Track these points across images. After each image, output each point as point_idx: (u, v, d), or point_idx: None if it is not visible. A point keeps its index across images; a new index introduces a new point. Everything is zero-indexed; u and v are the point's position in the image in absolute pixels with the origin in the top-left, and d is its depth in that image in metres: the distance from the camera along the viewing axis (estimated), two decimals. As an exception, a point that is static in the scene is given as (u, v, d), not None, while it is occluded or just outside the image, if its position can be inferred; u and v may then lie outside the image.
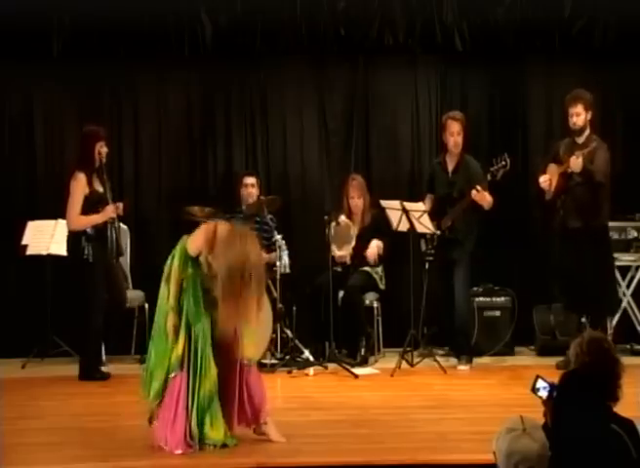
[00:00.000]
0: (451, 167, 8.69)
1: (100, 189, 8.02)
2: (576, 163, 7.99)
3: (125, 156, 9.50)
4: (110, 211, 7.96)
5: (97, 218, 7.90)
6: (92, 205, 7.92)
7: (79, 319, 8.07)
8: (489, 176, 8.33)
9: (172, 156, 9.57)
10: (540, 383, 3.90)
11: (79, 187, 7.89)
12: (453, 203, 8.55)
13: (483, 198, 8.34)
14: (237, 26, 9.18)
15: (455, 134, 8.61)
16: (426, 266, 8.56)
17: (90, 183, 7.93)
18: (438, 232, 8.47)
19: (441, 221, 8.52)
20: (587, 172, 8.02)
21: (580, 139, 8.24)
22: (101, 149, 8.01)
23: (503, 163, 8.29)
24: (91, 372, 7.96)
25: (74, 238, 7.93)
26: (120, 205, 8.16)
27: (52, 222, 8.68)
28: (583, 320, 8.24)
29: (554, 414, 3.76)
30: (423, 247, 8.59)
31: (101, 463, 5.39)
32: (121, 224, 8.44)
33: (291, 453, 5.52)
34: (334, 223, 8.64)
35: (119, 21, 8.83)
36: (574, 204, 8.18)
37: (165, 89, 9.59)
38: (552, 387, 3.85)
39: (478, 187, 8.29)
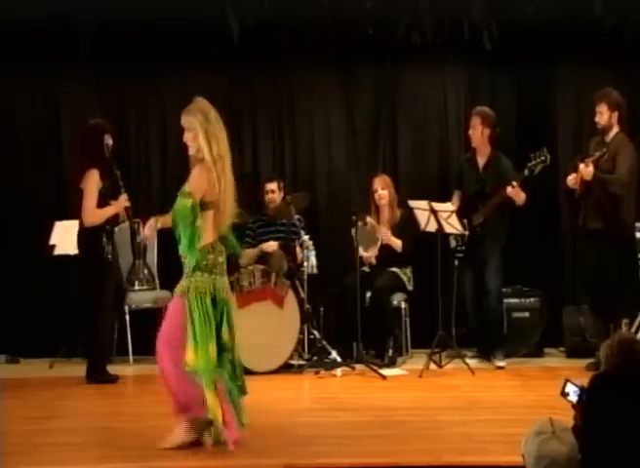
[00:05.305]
0: (481, 163, 8.68)
1: (108, 184, 7.95)
2: (586, 171, 7.95)
3: (151, 156, 9.51)
4: (123, 200, 7.90)
5: (111, 210, 7.86)
6: (105, 199, 7.88)
7: (89, 318, 8.04)
8: (526, 172, 8.29)
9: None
10: (570, 387, 3.86)
11: (93, 182, 7.82)
12: (484, 199, 8.51)
13: (518, 194, 8.34)
14: (264, 26, 9.16)
15: (471, 127, 8.67)
16: (456, 263, 8.54)
17: (102, 178, 7.88)
18: (467, 233, 8.43)
19: (472, 218, 8.48)
20: (600, 181, 7.97)
21: (608, 138, 8.19)
22: (108, 142, 7.96)
23: (543, 158, 8.24)
24: (97, 374, 7.90)
25: (94, 236, 7.86)
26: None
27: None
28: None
29: (584, 417, 3.71)
30: (453, 243, 8.56)
31: (127, 463, 5.40)
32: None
33: (317, 454, 5.50)
34: (360, 223, 8.58)
35: (145, 22, 8.81)
36: (593, 205, 8.13)
37: (191, 88, 9.50)
38: (582, 391, 3.80)
39: (514, 183, 8.28)
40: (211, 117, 5.66)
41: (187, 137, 5.71)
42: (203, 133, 5.63)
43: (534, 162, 8.27)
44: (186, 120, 5.70)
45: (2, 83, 9.36)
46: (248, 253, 8.88)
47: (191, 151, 5.74)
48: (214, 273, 5.63)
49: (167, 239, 9.12)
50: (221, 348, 5.64)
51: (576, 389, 3.84)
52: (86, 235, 7.93)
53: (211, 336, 5.56)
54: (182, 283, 5.68)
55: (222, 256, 5.74)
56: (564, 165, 9.27)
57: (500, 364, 8.39)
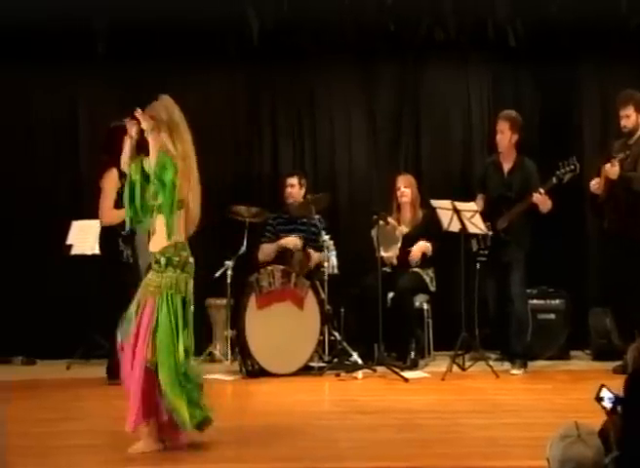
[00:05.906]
0: (507, 167, 8.53)
1: None
2: (611, 171, 7.89)
3: (170, 155, 9.46)
4: None
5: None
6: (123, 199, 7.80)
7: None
8: (554, 180, 8.13)
9: (218, 155, 9.51)
10: (605, 393, 3.76)
11: (111, 182, 7.79)
12: (510, 204, 8.36)
13: (545, 201, 8.18)
14: (284, 25, 9.10)
15: (498, 132, 8.48)
16: (478, 267, 8.41)
17: (121, 178, 7.83)
18: (490, 233, 8.30)
19: (496, 222, 8.34)
20: (625, 180, 7.88)
21: (632, 140, 8.12)
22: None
23: (572, 167, 8.09)
24: (115, 375, 7.81)
25: (110, 240, 7.82)
26: None
27: (96, 222, 8.63)
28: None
29: (623, 417, 3.59)
30: (475, 247, 8.42)
31: (141, 467, 5.31)
32: None
33: (337, 458, 5.42)
34: (381, 223, 8.47)
35: (164, 21, 8.78)
36: (615, 206, 8.06)
37: (211, 88, 9.56)
38: (617, 399, 3.69)
39: (541, 190, 8.13)
40: (175, 117, 5.56)
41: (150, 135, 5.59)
42: (166, 130, 5.51)
43: (562, 170, 8.12)
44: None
45: (19, 84, 9.38)
46: (265, 249, 8.79)
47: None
48: (185, 271, 5.53)
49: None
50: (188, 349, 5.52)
51: (611, 396, 3.73)
52: (105, 235, 7.92)
53: (180, 334, 5.43)
54: (154, 278, 5.53)
55: (192, 258, 5.63)
56: (589, 165, 9.16)
57: (516, 372, 8.22)
